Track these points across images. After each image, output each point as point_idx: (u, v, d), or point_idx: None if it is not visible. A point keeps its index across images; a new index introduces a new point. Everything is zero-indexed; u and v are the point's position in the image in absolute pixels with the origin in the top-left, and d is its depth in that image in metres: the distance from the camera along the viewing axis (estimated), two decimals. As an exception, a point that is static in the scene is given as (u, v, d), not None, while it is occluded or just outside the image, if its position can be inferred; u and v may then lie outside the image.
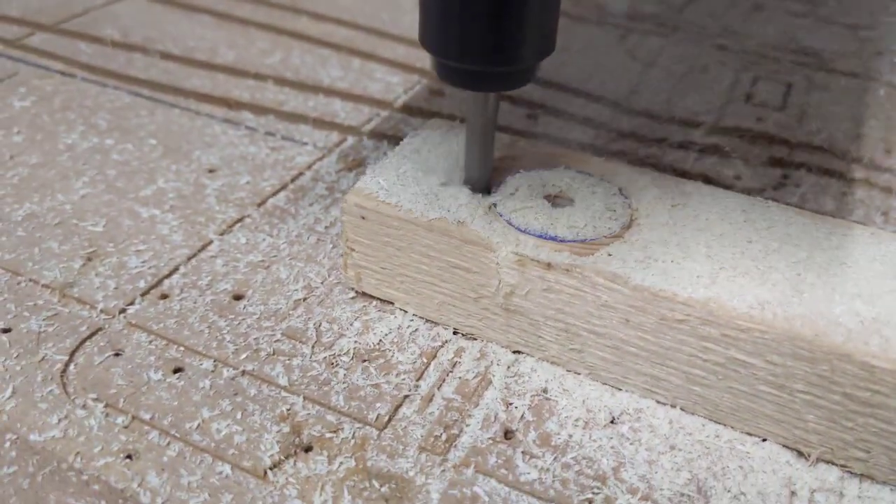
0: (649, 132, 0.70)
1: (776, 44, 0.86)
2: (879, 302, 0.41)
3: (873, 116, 0.73)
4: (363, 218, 0.48)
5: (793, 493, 0.41)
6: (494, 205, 0.47)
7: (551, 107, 0.73)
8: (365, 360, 0.47)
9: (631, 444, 0.43)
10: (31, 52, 0.79)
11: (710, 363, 0.43)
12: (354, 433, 0.43)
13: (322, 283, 0.52)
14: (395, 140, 0.67)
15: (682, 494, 0.40)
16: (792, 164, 0.66)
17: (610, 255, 0.44)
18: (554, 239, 0.45)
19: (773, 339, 0.40)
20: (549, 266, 0.44)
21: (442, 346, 0.48)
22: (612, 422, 0.44)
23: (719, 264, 0.43)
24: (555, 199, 0.48)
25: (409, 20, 0.90)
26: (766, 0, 0.97)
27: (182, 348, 0.47)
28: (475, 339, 0.49)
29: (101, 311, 0.50)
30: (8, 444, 0.42)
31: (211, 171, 0.63)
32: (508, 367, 0.47)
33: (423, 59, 0.81)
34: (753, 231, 0.46)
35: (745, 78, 0.79)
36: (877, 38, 0.89)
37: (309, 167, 0.63)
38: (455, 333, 0.49)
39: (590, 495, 0.40)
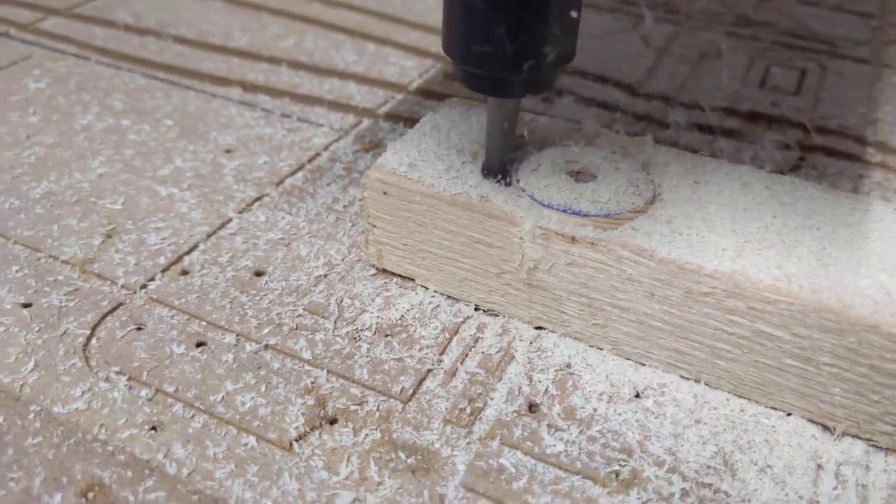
0: (665, 116, 0.69)
1: (789, 31, 0.86)
2: (906, 275, 0.41)
3: (887, 102, 0.73)
4: (385, 193, 0.48)
5: (819, 467, 0.41)
6: (517, 180, 0.47)
7: (567, 90, 0.73)
8: (387, 335, 0.47)
9: (656, 417, 0.43)
10: (44, 36, 0.79)
11: (735, 336, 0.42)
12: (379, 406, 0.43)
13: (342, 260, 0.52)
14: (410, 122, 0.66)
15: (709, 467, 0.40)
16: (808, 148, 0.66)
17: (634, 229, 0.44)
18: (578, 213, 0.45)
19: (800, 311, 0.40)
20: (573, 240, 0.44)
21: (464, 322, 0.48)
22: (636, 396, 0.44)
23: (744, 238, 0.43)
24: (577, 175, 0.48)
25: (421, 6, 0.90)
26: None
27: (204, 323, 0.47)
28: (497, 315, 0.48)
29: (122, 286, 0.49)
30: (32, 415, 0.41)
31: (228, 151, 0.63)
32: (531, 343, 0.47)
33: (437, 43, 0.81)
34: (777, 206, 0.46)
35: (759, 64, 0.79)
36: (888, 26, 0.89)
37: (326, 148, 0.63)
38: (476, 309, 0.49)
39: (616, 467, 0.40)
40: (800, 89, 0.75)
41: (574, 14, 0.42)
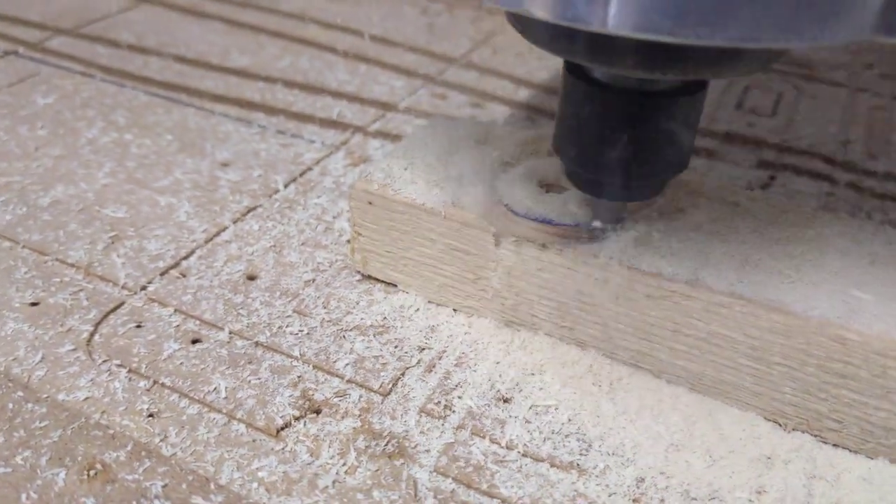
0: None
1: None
2: (853, 280, 0.44)
3: (859, 124, 0.76)
4: (370, 203, 0.51)
5: (768, 458, 0.44)
6: (494, 191, 0.50)
7: (545, 109, 0.76)
8: (370, 335, 0.50)
9: (618, 413, 0.46)
10: (51, 54, 0.83)
11: (692, 338, 0.46)
12: (360, 398, 0.46)
13: (330, 266, 0.55)
14: (398, 139, 0.70)
15: (665, 458, 0.43)
16: (780, 167, 0.69)
17: (600, 237, 0.47)
18: (549, 223, 0.48)
19: (753, 314, 0.43)
20: (543, 247, 0.47)
21: (442, 323, 0.51)
22: (600, 390, 0.47)
23: (706, 246, 0.46)
24: (549, 187, 0.51)
25: (411, 29, 0.93)
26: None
27: (199, 322, 0.50)
28: (473, 317, 0.51)
29: (123, 287, 0.53)
30: (38, 402, 0.45)
31: (224, 164, 0.66)
32: (504, 342, 0.50)
33: (426, 65, 0.84)
34: (739, 216, 0.49)
35: (737, 86, 0.82)
36: (865, 50, 0.92)
37: (317, 163, 0.67)
38: (455, 311, 0.52)
39: (578, 457, 0.43)
40: (775, 111, 0.78)
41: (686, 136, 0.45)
